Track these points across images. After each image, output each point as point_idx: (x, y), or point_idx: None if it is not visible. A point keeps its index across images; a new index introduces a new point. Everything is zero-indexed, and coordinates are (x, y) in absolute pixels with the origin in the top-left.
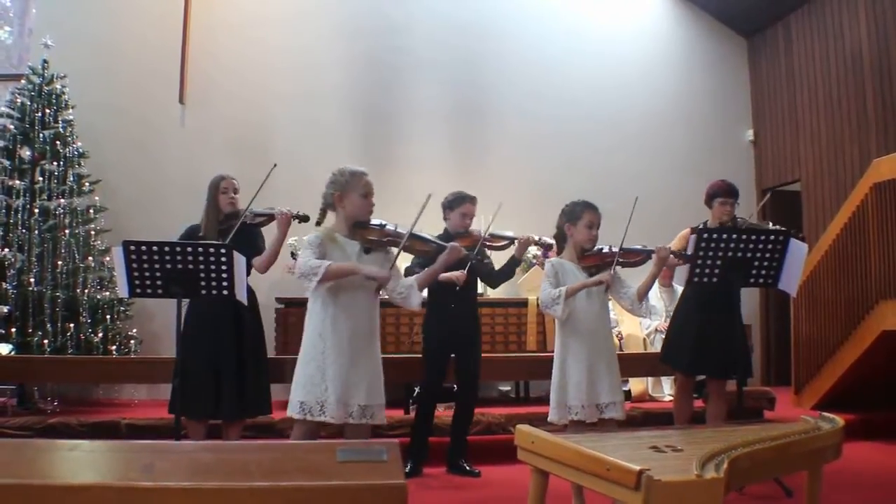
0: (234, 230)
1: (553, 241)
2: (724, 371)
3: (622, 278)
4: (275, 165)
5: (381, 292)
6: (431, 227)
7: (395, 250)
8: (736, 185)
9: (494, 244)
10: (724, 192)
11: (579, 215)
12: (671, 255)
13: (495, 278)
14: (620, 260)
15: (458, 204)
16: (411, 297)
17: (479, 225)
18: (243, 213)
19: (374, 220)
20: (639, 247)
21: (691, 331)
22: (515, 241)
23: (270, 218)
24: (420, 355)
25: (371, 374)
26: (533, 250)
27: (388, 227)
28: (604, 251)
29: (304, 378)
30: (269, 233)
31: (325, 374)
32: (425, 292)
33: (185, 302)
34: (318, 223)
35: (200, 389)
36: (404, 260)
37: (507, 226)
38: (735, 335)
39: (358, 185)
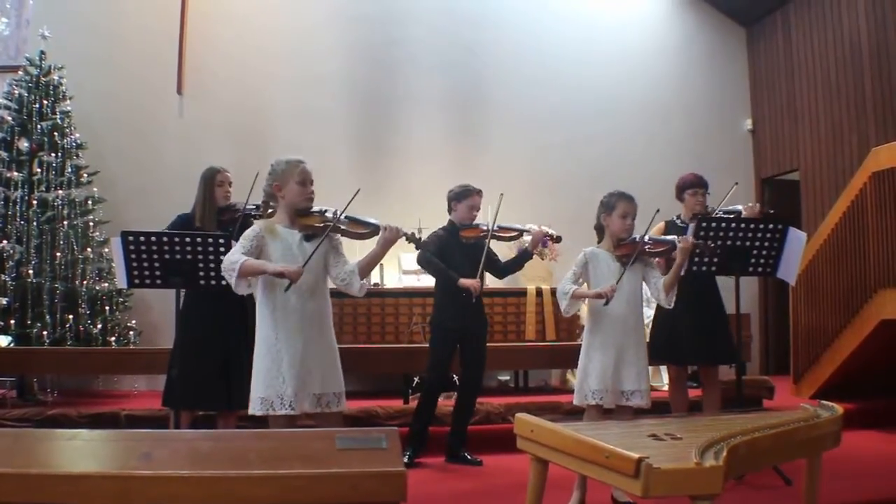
0: (239, 223)
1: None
2: (712, 358)
3: (654, 268)
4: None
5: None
6: (438, 219)
7: (338, 236)
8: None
9: (504, 235)
10: (692, 184)
11: (614, 205)
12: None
13: (502, 270)
14: (649, 250)
15: (466, 196)
16: (352, 283)
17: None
18: (243, 206)
19: (315, 207)
20: (665, 237)
21: (673, 322)
22: (524, 232)
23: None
24: (419, 345)
25: (325, 362)
26: None
27: (327, 212)
28: (637, 241)
29: (262, 373)
30: None
31: (280, 367)
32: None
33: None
34: (260, 216)
35: (208, 379)
36: (405, 249)
37: (506, 214)
38: (718, 321)
39: (294, 173)
